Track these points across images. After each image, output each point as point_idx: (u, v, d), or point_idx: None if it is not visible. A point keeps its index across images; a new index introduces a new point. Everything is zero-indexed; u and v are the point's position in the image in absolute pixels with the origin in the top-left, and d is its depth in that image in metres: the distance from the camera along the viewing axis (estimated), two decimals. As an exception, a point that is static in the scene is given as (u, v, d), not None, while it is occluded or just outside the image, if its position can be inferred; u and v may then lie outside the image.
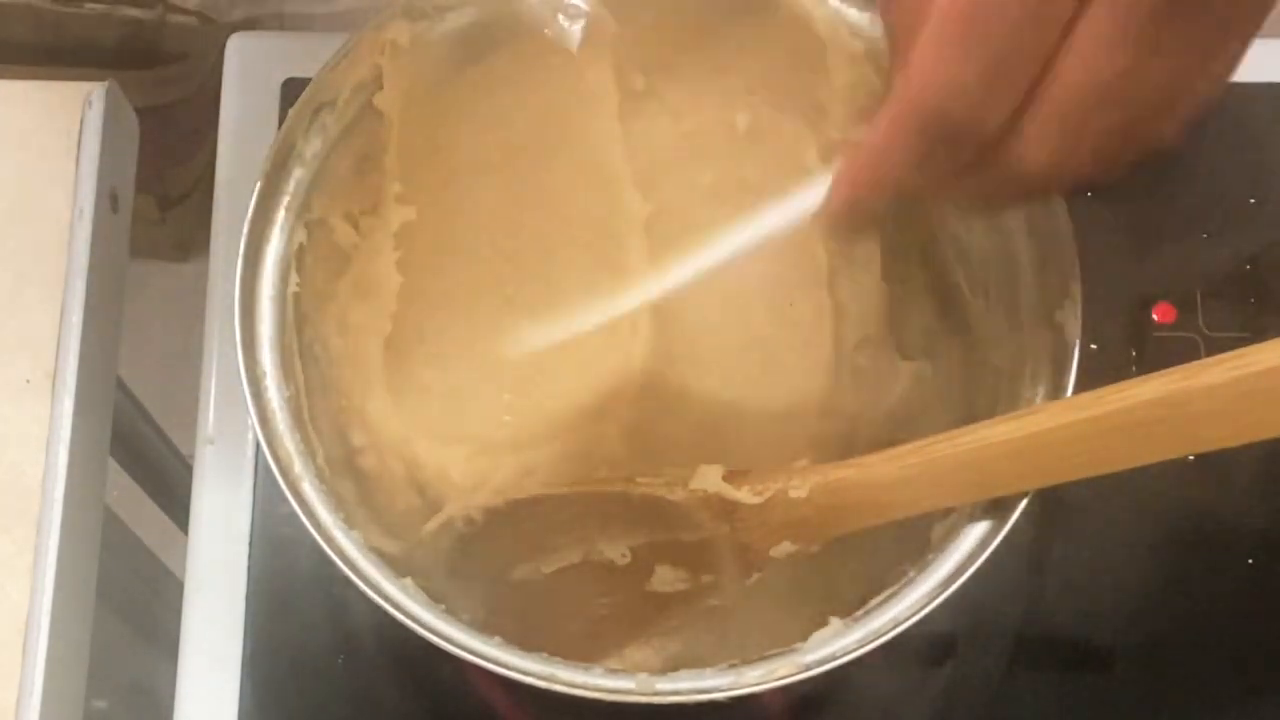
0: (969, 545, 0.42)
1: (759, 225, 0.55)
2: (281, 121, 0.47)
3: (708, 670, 0.41)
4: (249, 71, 0.63)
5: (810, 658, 0.41)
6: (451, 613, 0.42)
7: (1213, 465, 0.57)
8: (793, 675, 0.40)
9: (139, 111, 0.60)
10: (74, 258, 0.55)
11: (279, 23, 0.72)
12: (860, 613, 0.42)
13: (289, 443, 0.44)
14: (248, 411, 0.44)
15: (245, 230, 0.46)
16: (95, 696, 0.55)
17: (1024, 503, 0.42)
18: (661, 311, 0.52)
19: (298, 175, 0.47)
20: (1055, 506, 0.57)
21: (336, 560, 0.42)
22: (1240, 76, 0.63)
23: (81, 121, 0.57)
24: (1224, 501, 0.58)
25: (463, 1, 0.49)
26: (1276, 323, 0.59)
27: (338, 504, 0.44)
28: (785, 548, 0.46)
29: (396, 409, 0.49)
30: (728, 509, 0.47)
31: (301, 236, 0.47)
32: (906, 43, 0.35)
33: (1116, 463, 0.40)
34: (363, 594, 0.42)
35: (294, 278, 0.47)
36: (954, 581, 0.41)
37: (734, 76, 0.53)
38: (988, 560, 0.42)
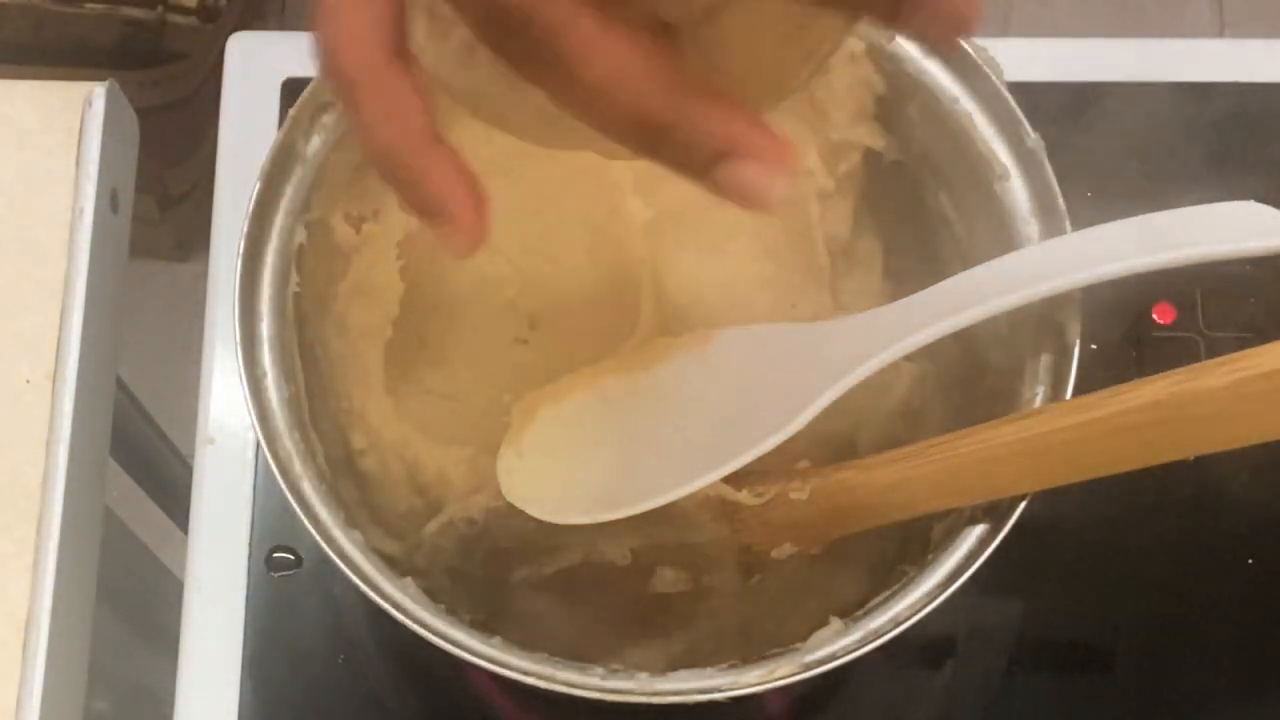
0: (969, 545, 0.42)
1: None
2: (281, 121, 0.47)
3: (708, 670, 0.41)
4: (249, 71, 0.63)
5: (810, 658, 0.41)
6: (452, 613, 0.42)
7: (1213, 465, 0.57)
8: (793, 675, 0.40)
9: (139, 111, 0.60)
10: (74, 258, 0.55)
11: (279, 22, 0.72)
12: (860, 613, 0.42)
13: (289, 443, 0.44)
14: (248, 411, 0.44)
15: (245, 230, 0.46)
16: (95, 696, 0.55)
17: (1024, 504, 0.42)
18: (663, 314, 0.52)
19: (298, 175, 0.47)
20: (1055, 506, 0.57)
21: (336, 560, 0.42)
22: (1242, 76, 0.64)
23: (81, 121, 0.57)
24: (1224, 501, 0.58)
25: (462, 2, 0.49)
26: (1276, 323, 0.59)
27: (338, 504, 0.44)
28: (786, 549, 0.46)
29: (397, 411, 0.49)
30: (729, 510, 0.47)
31: (301, 236, 0.47)
32: None
33: (1116, 465, 0.40)
34: (363, 594, 0.42)
35: (294, 278, 0.47)
36: (954, 581, 0.41)
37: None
38: (988, 560, 0.42)
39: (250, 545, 0.56)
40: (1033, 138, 0.46)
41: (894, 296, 0.45)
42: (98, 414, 0.56)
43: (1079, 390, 0.43)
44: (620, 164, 0.52)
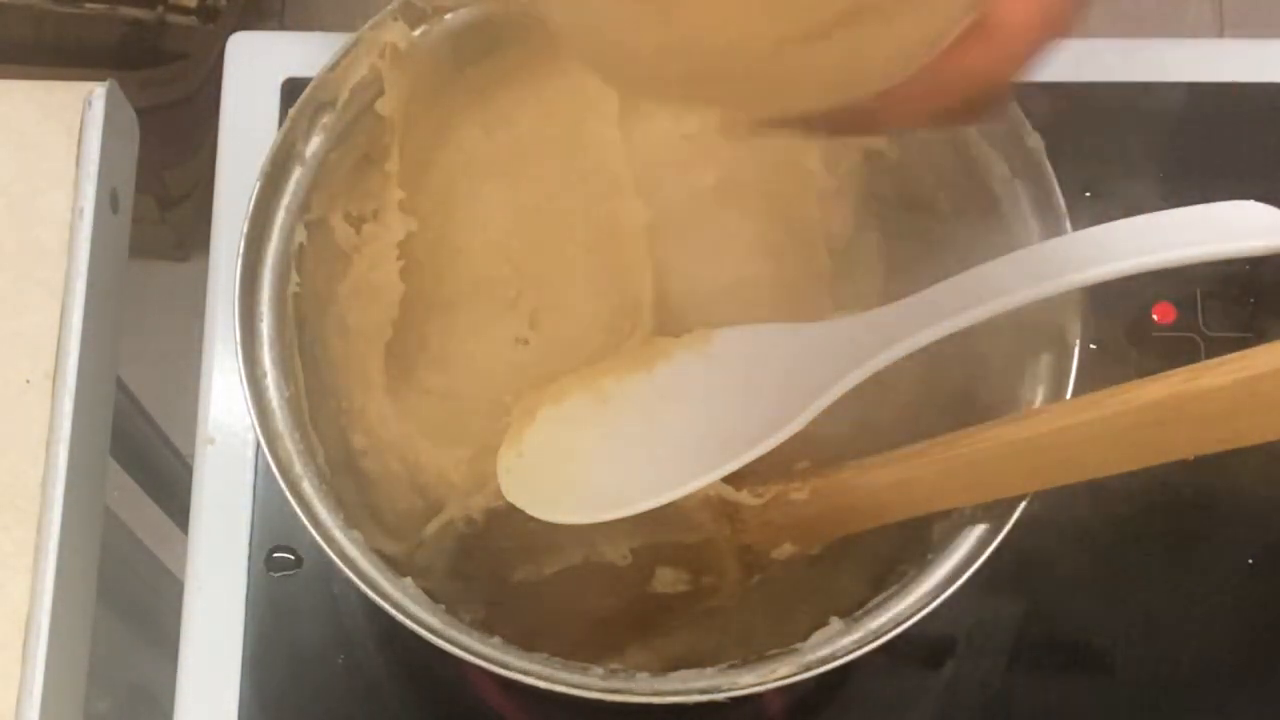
0: (969, 545, 0.42)
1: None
2: (281, 121, 0.47)
3: (708, 670, 0.41)
4: (249, 71, 0.63)
5: (810, 658, 0.41)
6: (452, 613, 0.42)
7: (1213, 465, 0.57)
8: (793, 675, 0.40)
9: (139, 111, 0.60)
10: (74, 258, 0.55)
11: (279, 22, 0.72)
12: (860, 613, 0.42)
13: (289, 443, 0.44)
14: (248, 411, 0.44)
15: (245, 230, 0.46)
16: (95, 697, 0.55)
17: (1024, 504, 0.42)
18: (663, 314, 0.52)
19: (298, 175, 0.47)
20: (1055, 507, 0.57)
21: (336, 560, 0.42)
22: (1240, 76, 0.64)
23: (81, 121, 0.57)
24: (1224, 501, 0.58)
25: (461, 2, 0.49)
26: (1276, 323, 0.59)
27: (338, 504, 0.44)
28: (786, 549, 0.46)
29: (397, 411, 0.49)
30: (729, 510, 0.47)
31: (301, 236, 0.47)
32: None
33: (1117, 465, 0.40)
34: (363, 594, 0.42)
35: (294, 278, 0.47)
36: (954, 581, 0.41)
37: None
38: (988, 560, 0.42)
39: (250, 545, 0.56)
40: (1033, 138, 0.46)
41: (894, 296, 0.45)
42: (98, 414, 0.56)
43: (1079, 390, 0.43)
44: (620, 163, 0.52)
